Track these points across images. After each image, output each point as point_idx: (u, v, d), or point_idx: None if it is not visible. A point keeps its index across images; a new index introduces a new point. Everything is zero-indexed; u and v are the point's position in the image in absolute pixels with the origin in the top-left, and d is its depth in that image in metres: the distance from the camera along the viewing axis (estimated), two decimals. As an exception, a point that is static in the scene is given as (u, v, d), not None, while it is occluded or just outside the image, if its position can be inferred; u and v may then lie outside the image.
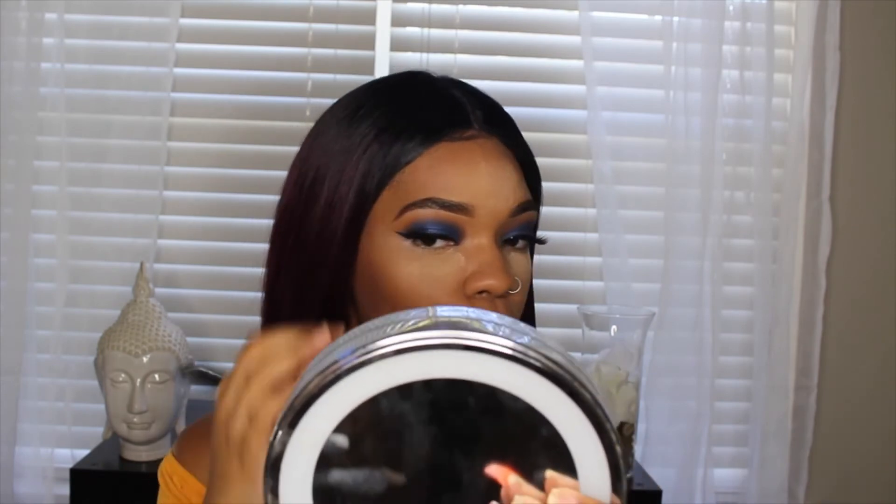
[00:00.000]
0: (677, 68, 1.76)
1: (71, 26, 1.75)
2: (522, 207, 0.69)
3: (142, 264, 1.59)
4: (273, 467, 0.45)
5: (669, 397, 1.79)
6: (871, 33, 1.83)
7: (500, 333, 0.44)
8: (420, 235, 0.66)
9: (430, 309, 0.48)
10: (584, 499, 0.43)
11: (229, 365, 2.02)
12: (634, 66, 1.82)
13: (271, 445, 0.45)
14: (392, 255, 0.67)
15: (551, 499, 0.42)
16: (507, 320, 0.47)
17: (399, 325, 0.45)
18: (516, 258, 0.70)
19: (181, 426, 1.55)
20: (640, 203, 1.83)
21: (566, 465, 0.44)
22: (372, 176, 0.68)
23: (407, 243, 0.66)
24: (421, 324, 0.45)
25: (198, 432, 0.80)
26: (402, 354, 0.43)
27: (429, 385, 0.44)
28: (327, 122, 0.77)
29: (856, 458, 1.86)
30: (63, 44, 1.74)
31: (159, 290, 1.72)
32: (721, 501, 1.84)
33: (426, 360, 0.44)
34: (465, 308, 0.50)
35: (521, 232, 0.70)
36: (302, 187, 0.75)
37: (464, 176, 0.67)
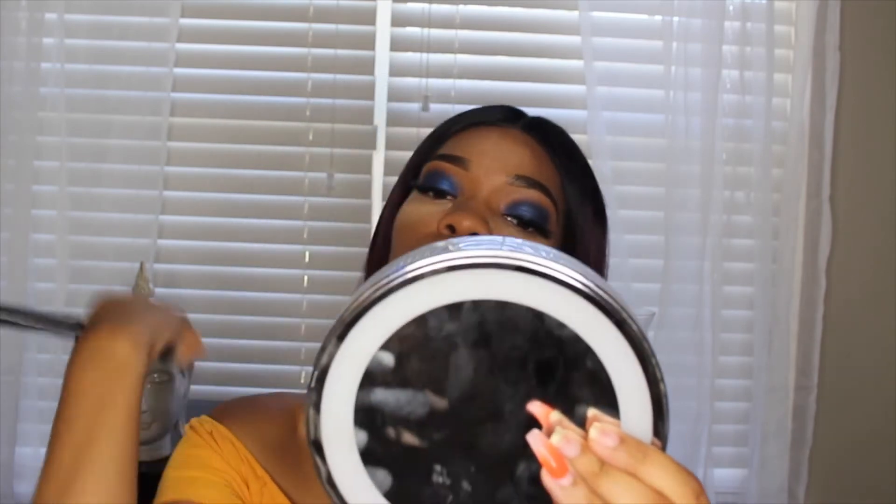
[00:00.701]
0: (677, 68, 1.76)
1: (71, 26, 1.75)
2: (527, 182, 0.71)
3: (142, 264, 1.59)
4: (319, 380, 0.44)
5: (670, 397, 1.79)
6: (871, 33, 1.83)
7: (551, 257, 0.43)
8: (428, 187, 0.72)
9: (497, 237, 0.47)
10: (625, 436, 0.42)
11: (229, 365, 2.00)
12: (634, 66, 1.82)
13: (318, 358, 0.44)
14: (406, 201, 0.74)
15: (592, 433, 0.42)
16: (560, 253, 0.46)
17: (457, 244, 0.44)
18: (513, 233, 0.70)
19: (181, 426, 1.55)
20: (640, 203, 1.83)
21: (608, 402, 0.44)
22: (422, 152, 0.77)
23: (417, 191, 0.73)
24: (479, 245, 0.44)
25: (241, 404, 0.82)
26: (454, 272, 0.43)
27: (477, 306, 0.43)
28: None
29: (856, 458, 1.86)
30: (63, 44, 1.74)
31: (159, 290, 1.72)
32: (721, 501, 1.84)
33: (476, 279, 0.43)
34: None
35: (526, 210, 0.70)
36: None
37: (474, 139, 0.73)
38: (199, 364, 1.69)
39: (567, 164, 0.75)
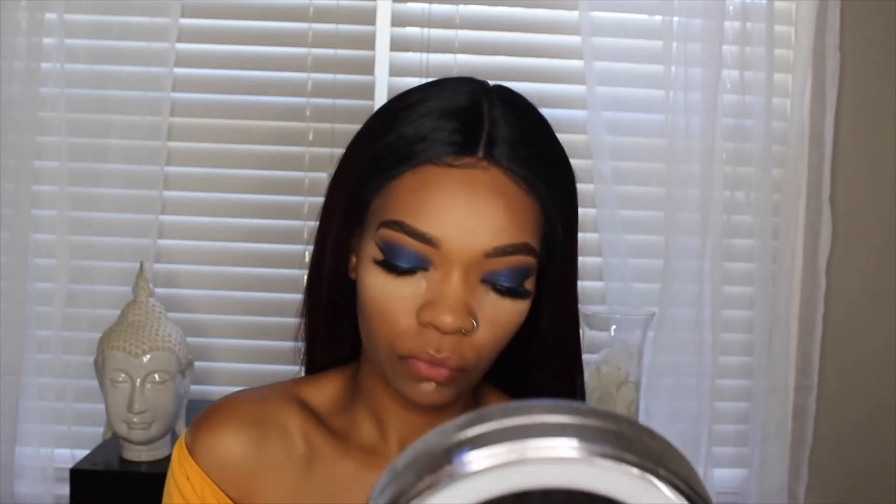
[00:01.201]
0: (677, 68, 1.76)
1: (71, 26, 1.75)
2: (506, 251, 0.65)
3: (142, 264, 1.59)
4: None
5: (669, 397, 1.79)
6: (871, 33, 1.83)
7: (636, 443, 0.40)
8: (390, 263, 0.66)
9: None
10: None
11: (230, 365, 2.03)
12: (634, 66, 1.82)
13: None
14: (366, 264, 0.68)
15: None
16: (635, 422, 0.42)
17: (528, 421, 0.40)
18: (493, 300, 0.66)
19: (181, 426, 1.55)
20: (640, 203, 1.83)
21: None
22: (367, 182, 0.69)
23: (380, 261, 0.66)
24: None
25: (213, 416, 0.77)
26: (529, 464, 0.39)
27: (547, 496, 0.40)
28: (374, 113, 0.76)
29: (856, 458, 1.86)
30: (63, 44, 1.74)
31: (159, 290, 1.73)
32: (721, 501, 1.84)
33: (551, 468, 0.39)
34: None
35: (504, 279, 0.66)
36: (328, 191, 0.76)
37: (437, 206, 0.64)
38: (199, 364, 1.70)
39: (549, 191, 0.67)
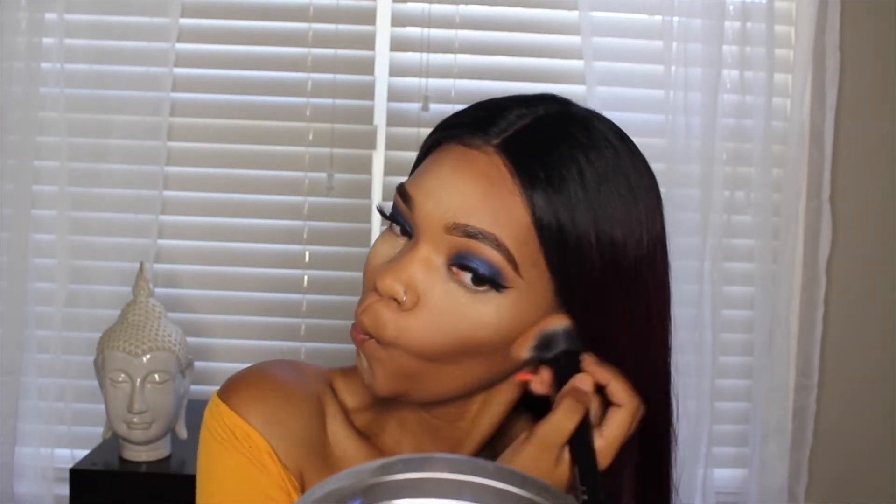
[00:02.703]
0: (677, 68, 1.76)
1: (71, 26, 1.75)
2: (466, 231, 0.61)
3: (142, 264, 1.59)
4: None
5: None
6: (871, 33, 1.83)
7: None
8: (389, 219, 0.66)
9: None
10: None
11: (230, 364, 2.02)
12: (634, 66, 1.82)
13: None
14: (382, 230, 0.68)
15: None
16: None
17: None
18: (452, 291, 0.62)
19: (181, 426, 1.55)
20: (640, 203, 1.83)
21: None
22: (418, 158, 0.70)
23: (386, 224, 0.67)
24: None
25: (257, 380, 0.73)
26: None
27: None
28: None
29: (856, 458, 1.86)
30: (63, 44, 1.74)
31: (159, 290, 1.73)
32: (721, 501, 1.84)
33: None
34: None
35: (465, 259, 0.61)
36: None
37: (426, 171, 0.65)
38: (198, 364, 1.70)
39: (541, 189, 0.61)
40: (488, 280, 0.61)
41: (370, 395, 0.72)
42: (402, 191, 0.65)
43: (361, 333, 0.64)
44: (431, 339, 0.62)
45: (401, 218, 0.64)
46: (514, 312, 0.62)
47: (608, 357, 0.63)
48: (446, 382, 0.65)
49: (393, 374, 0.65)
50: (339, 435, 0.73)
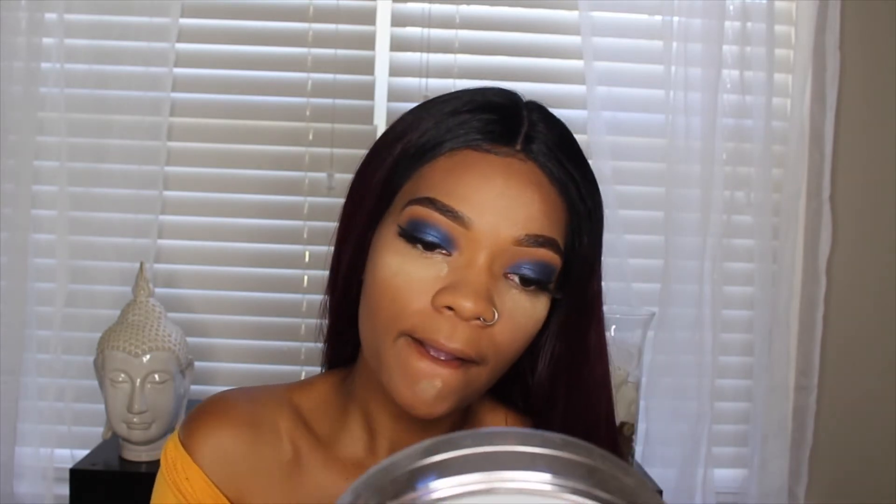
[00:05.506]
0: (677, 68, 1.76)
1: (71, 26, 1.75)
2: (536, 241, 0.62)
3: (142, 264, 1.59)
4: None
5: (669, 397, 1.79)
6: (871, 33, 1.83)
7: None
8: (415, 237, 0.62)
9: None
10: None
11: (230, 365, 2.02)
12: (634, 66, 1.82)
13: None
14: (385, 244, 0.64)
15: None
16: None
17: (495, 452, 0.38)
18: (515, 297, 0.63)
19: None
20: (640, 203, 1.83)
21: None
22: (397, 170, 0.67)
23: (402, 239, 0.63)
24: None
25: (210, 413, 0.76)
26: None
27: None
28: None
29: (856, 458, 1.86)
30: (63, 44, 1.74)
31: (159, 290, 1.73)
32: (721, 501, 1.84)
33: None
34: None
35: (529, 270, 0.63)
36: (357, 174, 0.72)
37: (473, 185, 0.62)
38: (199, 364, 1.70)
39: (574, 184, 0.67)
40: (541, 282, 0.64)
41: (331, 403, 0.74)
42: (441, 205, 0.62)
43: (448, 357, 0.62)
44: (517, 346, 0.65)
45: (438, 234, 0.62)
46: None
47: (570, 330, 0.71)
48: (487, 385, 0.67)
49: (464, 392, 0.64)
50: (304, 449, 0.74)
